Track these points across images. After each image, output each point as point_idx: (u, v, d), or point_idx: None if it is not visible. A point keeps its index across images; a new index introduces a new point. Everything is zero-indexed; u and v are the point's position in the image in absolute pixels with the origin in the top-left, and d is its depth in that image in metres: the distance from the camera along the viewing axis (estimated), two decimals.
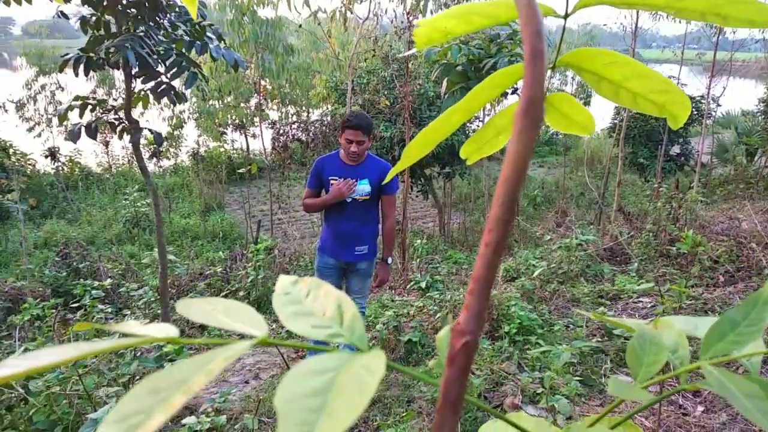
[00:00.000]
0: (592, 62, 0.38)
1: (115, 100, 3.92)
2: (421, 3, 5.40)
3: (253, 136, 16.51)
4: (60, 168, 14.87)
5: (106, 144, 16.38)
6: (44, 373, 2.41)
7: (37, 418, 2.39)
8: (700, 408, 2.89)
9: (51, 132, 15.53)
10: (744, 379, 0.32)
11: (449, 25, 0.35)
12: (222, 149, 16.90)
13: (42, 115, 15.67)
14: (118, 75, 15.23)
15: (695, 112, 12.64)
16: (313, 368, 0.27)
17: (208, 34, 4.01)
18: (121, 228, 12.42)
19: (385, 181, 3.23)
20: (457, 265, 6.93)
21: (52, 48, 17.02)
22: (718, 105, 12.20)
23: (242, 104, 12.68)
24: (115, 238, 12.26)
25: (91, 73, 4.25)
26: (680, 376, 0.45)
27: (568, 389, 2.68)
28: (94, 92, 15.35)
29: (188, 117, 13.43)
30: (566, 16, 0.35)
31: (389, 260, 3.59)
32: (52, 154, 14.16)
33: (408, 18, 5.76)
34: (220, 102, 12.22)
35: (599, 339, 3.60)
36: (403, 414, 2.87)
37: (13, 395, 2.43)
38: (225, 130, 15.76)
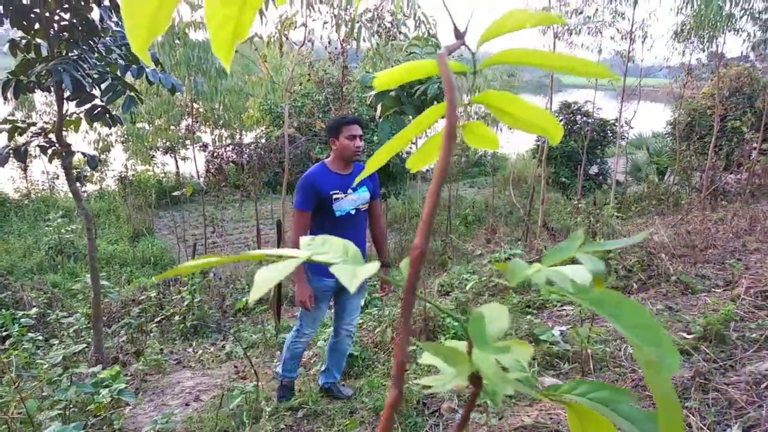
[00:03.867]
0: (496, 101, 0.55)
1: (34, 123, 3.84)
2: (355, 31, 5.63)
3: (183, 159, 16.24)
4: None
5: (25, 169, 15.63)
6: None
7: None
8: None
9: None
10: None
11: (398, 76, 0.51)
12: (150, 173, 16.49)
13: None
14: (39, 97, 14.63)
15: (610, 134, 13.56)
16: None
17: None
18: (42, 256, 11.85)
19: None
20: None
21: None
22: (631, 127, 13.16)
23: (173, 127, 12.50)
24: (36, 267, 11.69)
25: (9, 95, 4.13)
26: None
27: None
28: (12, 114, 14.68)
29: (116, 140, 13.06)
30: (474, 72, 0.52)
31: (389, 264, 3.42)
32: None
33: (342, 44, 5.98)
34: (150, 125, 11.98)
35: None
36: (347, 423, 2.98)
37: None
38: (154, 154, 15.42)
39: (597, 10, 9.89)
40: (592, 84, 12.87)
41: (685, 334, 3.65)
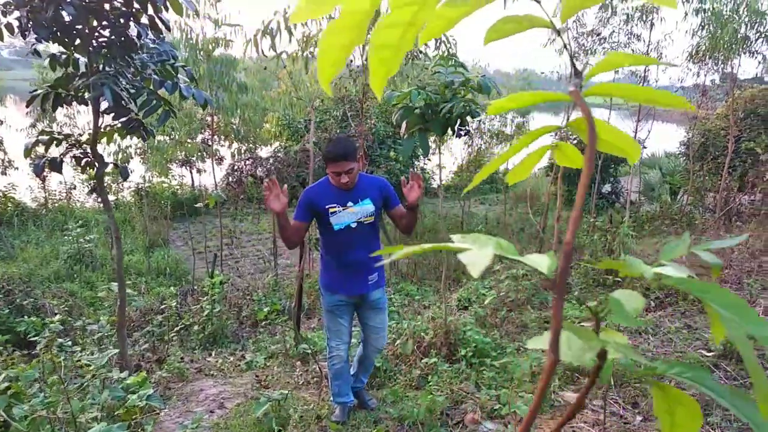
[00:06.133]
0: (583, 125, 0.64)
1: (71, 135, 4.00)
2: None
3: (199, 171, 16.47)
4: None
5: (43, 179, 15.89)
6: (28, 398, 2.46)
7: None
8: (639, 417, 3.22)
9: None
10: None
11: (512, 104, 0.61)
12: (166, 185, 16.71)
13: None
14: (61, 109, 14.91)
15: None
16: None
17: (180, 75, 4.20)
18: (60, 265, 12.01)
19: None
20: (409, 297, 7.19)
21: None
22: (644, 147, 13.20)
23: (190, 140, 12.73)
24: (53, 275, 11.84)
25: (48, 107, 4.28)
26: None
27: (524, 401, 2.95)
28: (34, 125, 14.99)
29: (134, 152, 13.29)
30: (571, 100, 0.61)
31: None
32: None
33: (363, 63, 6.12)
34: (169, 137, 12.20)
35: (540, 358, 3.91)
36: (375, 431, 3.05)
37: None
38: (171, 166, 15.64)
39: (613, 32, 10.02)
40: (605, 103, 12.96)
41: (705, 352, 3.70)
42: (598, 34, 9.53)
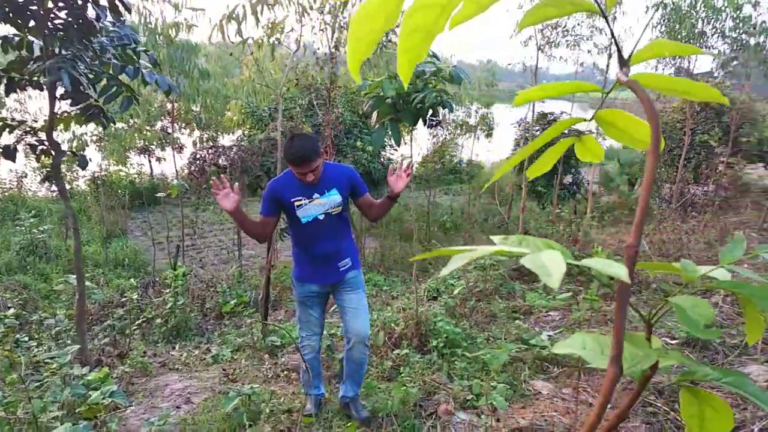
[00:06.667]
0: (610, 117, 0.62)
1: (24, 121, 3.77)
2: (344, 37, 5.69)
3: (158, 160, 16.03)
4: None
5: None
6: None
7: None
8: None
9: None
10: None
11: (541, 93, 0.57)
12: (123, 173, 16.23)
13: None
14: (12, 94, 14.25)
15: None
16: None
17: (141, 59, 4.04)
18: (12, 256, 11.52)
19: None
20: (377, 287, 7.16)
21: None
22: (604, 138, 13.46)
23: (149, 127, 12.35)
24: (5, 267, 11.36)
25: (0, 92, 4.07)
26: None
27: (500, 391, 2.96)
28: None
29: (90, 139, 12.81)
30: (608, 92, 0.58)
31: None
32: None
33: (331, 50, 6.03)
34: (127, 125, 11.81)
35: (517, 349, 3.95)
36: (347, 425, 3.02)
37: None
38: (128, 154, 15.19)
39: (575, 26, 10.16)
40: (567, 96, 13.18)
41: (668, 340, 3.80)
42: (564, 27, 9.64)
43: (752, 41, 10.76)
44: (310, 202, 2.98)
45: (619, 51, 0.48)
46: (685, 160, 11.63)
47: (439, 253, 0.48)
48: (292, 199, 2.96)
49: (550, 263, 0.39)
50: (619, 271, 0.40)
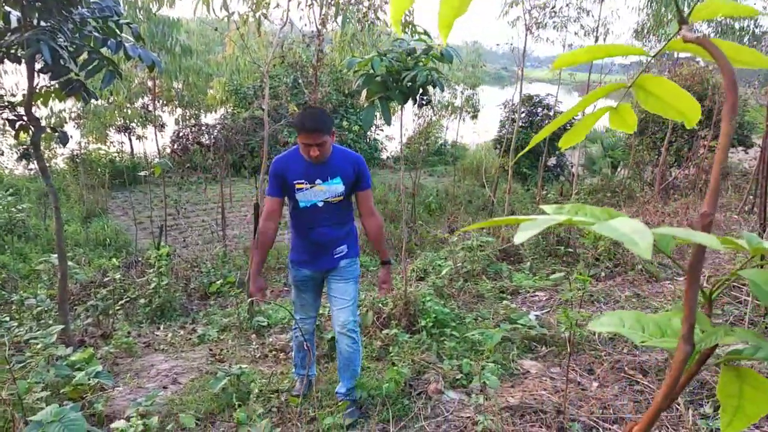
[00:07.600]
0: (650, 84, 0.58)
1: (1, 96, 3.62)
2: (338, 16, 5.59)
3: (139, 138, 15.75)
4: None
5: None
6: None
7: None
8: (595, 384, 3.31)
9: None
10: None
11: (584, 57, 0.54)
12: (103, 152, 15.93)
13: None
14: None
15: (569, 127, 13.91)
16: None
17: (124, 33, 3.91)
18: None
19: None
20: (363, 267, 7.15)
21: None
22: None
23: (130, 105, 12.09)
24: None
25: None
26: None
27: (490, 370, 2.97)
28: None
29: (69, 116, 12.51)
30: (654, 55, 0.55)
31: (390, 261, 3.25)
32: None
33: (318, 28, 5.92)
34: (107, 102, 11.55)
35: (506, 329, 3.96)
36: (338, 404, 3.01)
37: None
38: (108, 132, 14.89)
39: (562, 7, 10.12)
40: (551, 78, 13.19)
41: None
42: (553, 8, 9.59)
43: (737, 25, 10.84)
44: (311, 187, 2.90)
45: (678, 7, 0.45)
46: (668, 143, 11.72)
47: (503, 222, 0.45)
48: (294, 182, 2.89)
49: (634, 232, 0.36)
50: (711, 241, 0.37)
